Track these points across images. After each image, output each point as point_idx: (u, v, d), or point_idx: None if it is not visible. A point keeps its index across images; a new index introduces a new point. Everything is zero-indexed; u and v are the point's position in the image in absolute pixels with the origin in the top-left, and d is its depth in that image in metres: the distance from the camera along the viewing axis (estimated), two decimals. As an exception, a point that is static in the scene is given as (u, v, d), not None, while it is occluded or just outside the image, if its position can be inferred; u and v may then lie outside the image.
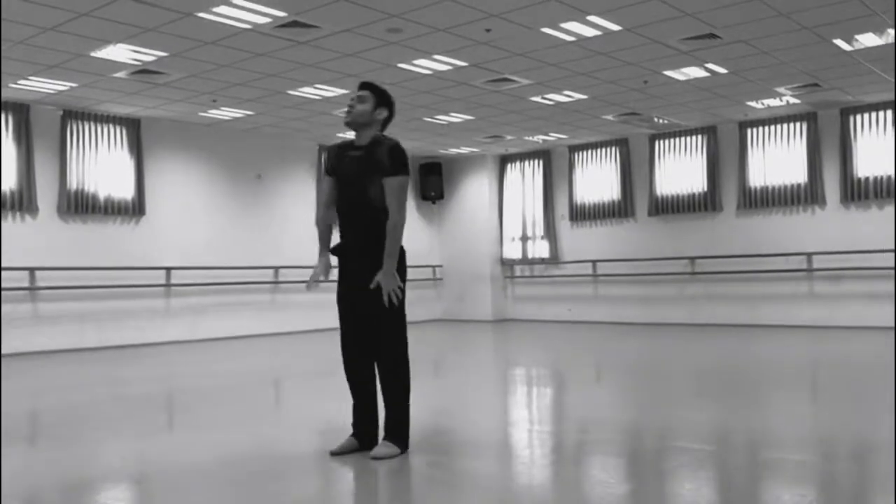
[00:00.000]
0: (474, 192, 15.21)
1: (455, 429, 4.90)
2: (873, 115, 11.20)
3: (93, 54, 8.01)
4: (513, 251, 15.09)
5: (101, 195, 10.72)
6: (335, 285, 4.21)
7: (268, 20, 7.10)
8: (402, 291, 3.92)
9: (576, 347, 10.28)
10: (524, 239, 14.93)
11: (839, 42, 8.09)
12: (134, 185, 11.05)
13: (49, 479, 3.81)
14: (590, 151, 14.03)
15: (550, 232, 14.49)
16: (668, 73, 9.21)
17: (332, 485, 3.74)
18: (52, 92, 9.52)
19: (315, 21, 7.17)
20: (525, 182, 14.92)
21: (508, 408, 5.97)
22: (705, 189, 12.75)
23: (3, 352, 9.37)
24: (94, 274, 10.57)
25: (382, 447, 3.94)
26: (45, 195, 10.25)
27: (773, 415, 5.25)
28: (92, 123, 10.65)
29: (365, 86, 4.06)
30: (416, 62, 8.58)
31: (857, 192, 11.38)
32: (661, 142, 13.16)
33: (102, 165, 10.74)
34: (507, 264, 15.16)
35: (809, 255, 11.73)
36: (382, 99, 4.06)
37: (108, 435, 4.87)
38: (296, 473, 3.77)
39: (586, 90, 10.01)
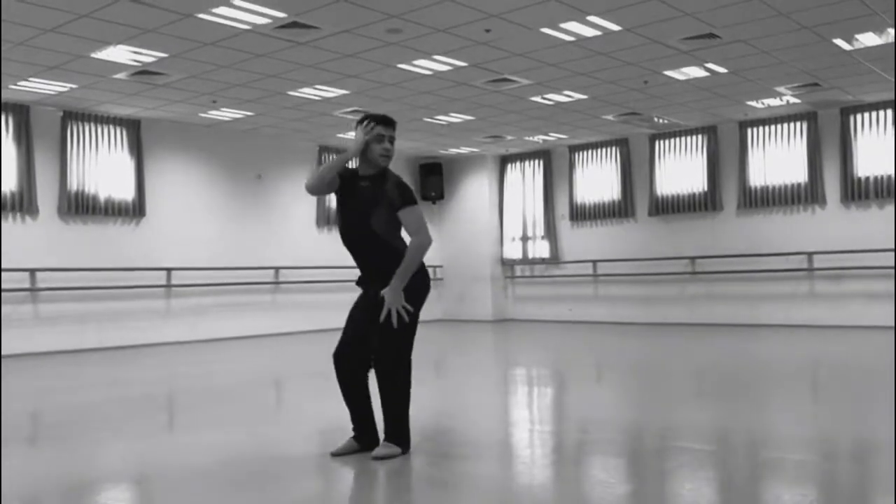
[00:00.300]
0: (474, 192, 15.21)
1: (456, 429, 4.90)
2: (873, 114, 11.20)
3: (93, 55, 8.01)
4: (513, 251, 15.09)
5: (102, 196, 10.73)
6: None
7: (267, 21, 7.10)
8: (410, 313, 3.89)
9: (576, 347, 10.28)
10: (524, 239, 14.93)
11: (839, 41, 8.09)
12: (134, 185, 11.06)
13: (49, 479, 3.81)
14: (590, 151, 14.03)
15: (551, 232, 14.49)
16: (668, 72, 9.21)
17: (332, 485, 3.74)
18: (52, 93, 9.52)
19: (315, 22, 7.17)
20: (525, 182, 14.92)
21: (509, 408, 5.97)
22: (705, 189, 12.75)
23: (3, 352, 9.37)
24: (94, 275, 10.58)
25: (383, 448, 3.94)
26: (46, 196, 10.25)
27: (773, 414, 5.25)
28: (92, 124, 10.65)
29: (394, 124, 4.07)
30: (415, 63, 8.58)
31: (857, 192, 11.38)
32: (662, 142, 13.16)
33: (103, 166, 10.74)
34: (507, 264, 15.17)
35: (810, 254, 11.73)
36: None
37: (108, 435, 4.87)
38: (296, 474, 3.77)
39: (586, 90, 10.01)
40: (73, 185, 10.46)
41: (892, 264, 10.81)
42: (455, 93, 9.96)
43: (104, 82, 9.07)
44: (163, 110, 10.61)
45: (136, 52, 7.97)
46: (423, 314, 4.06)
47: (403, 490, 3.62)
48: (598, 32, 7.66)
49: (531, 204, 14.84)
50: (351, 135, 12.31)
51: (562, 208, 14.44)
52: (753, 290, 12.27)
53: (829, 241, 11.56)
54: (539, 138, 13.46)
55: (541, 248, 14.69)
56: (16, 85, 9.11)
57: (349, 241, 4.03)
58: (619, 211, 13.68)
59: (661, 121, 12.19)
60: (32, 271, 10.04)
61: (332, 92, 9.75)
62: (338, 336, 4.10)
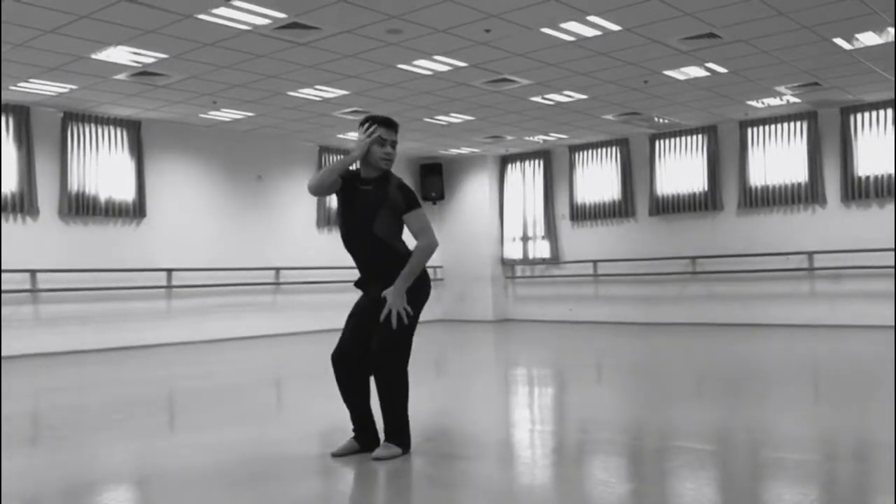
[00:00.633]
0: (475, 192, 15.21)
1: (456, 429, 4.90)
2: (874, 113, 11.20)
3: (93, 56, 8.01)
4: (513, 251, 15.09)
5: (102, 197, 10.73)
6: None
7: (268, 21, 7.11)
8: (410, 315, 3.90)
9: (577, 347, 10.28)
10: (525, 239, 14.93)
11: (839, 41, 8.09)
12: (134, 186, 11.06)
13: (50, 480, 3.81)
14: (590, 151, 14.03)
15: (551, 232, 14.49)
16: (669, 72, 9.21)
17: (332, 486, 3.74)
18: (52, 94, 9.53)
19: (315, 22, 7.17)
20: (525, 182, 14.92)
21: (509, 408, 5.96)
22: (706, 188, 12.74)
23: (4, 353, 9.38)
24: (94, 276, 10.58)
25: (383, 448, 3.94)
26: (46, 197, 10.26)
27: (773, 414, 5.25)
28: (92, 125, 10.66)
29: (398, 128, 4.06)
30: (416, 63, 8.58)
31: (857, 191, 11.37)
32: (662, 141, 13.16)
33: (103, 167, 10.74)
34: (507, 264, 15.17)
35: (810, 254, 11.73)
36: None
37: (109, 436, 4.88)
38: (296, 474, 3.77)
39: (586, 90, 10.01)
40: (74, 185, 10.47)
41: (893, 264, 10.81)
42: (455, 93, 9.97)
43: (104, 83, 9.07)
44: (163, 111, 10.61)
45: (136, 53, 7.98)
46: (424, 314, 4.06)
47: (404, 490, 3.63)
48: (598, 32, 7.66)
49: (531, 204, 14.84)
50: (351, 135, 12.32)
51: (562, 208, 14.44)
52: (754, 290, 12.27)
53: (830, 240, 11.56)
54: (539, 138, 13.46)
55: (541, 249, 14.69)
56: (16, 86, 9.11)
57: (351, 244, 4.02)
58: (620, 211, 13.68)
59: (661, 120, 12.19)
60: (33, 272, 10.04)
61: (333, 92, 9.75)
62: (338, 336, 4.11)
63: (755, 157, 12.27)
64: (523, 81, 9.50)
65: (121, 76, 8.79)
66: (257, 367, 8.84)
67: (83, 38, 7.41)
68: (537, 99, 10.45)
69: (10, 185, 9.91)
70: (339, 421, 4.42)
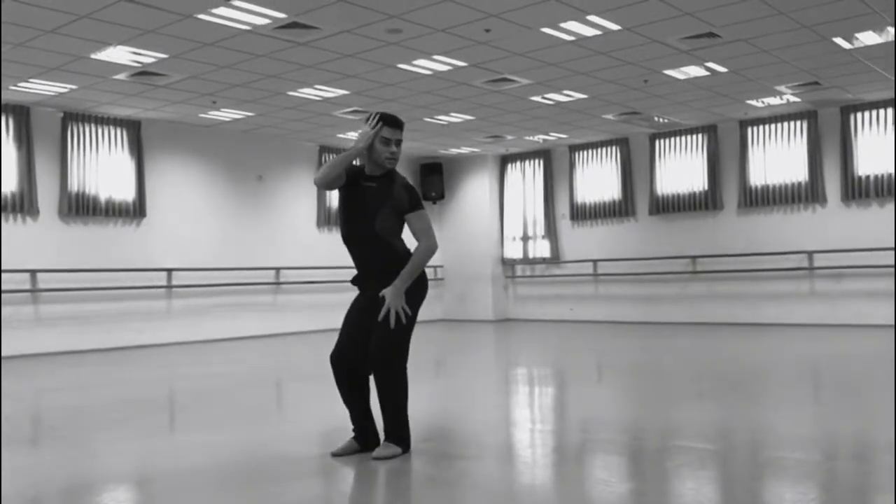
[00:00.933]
0: (475, 192, 15.21)
1: (456, 429, 4.90)
2: (874, 113, 11.19)
3: (93, 56, 8.01)
4: (514, 251, 15.09)
5: (102, 197, 10.73)
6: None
7: (267, 21, 7.10)
8: (408, 315, 3.89)
9: (577, 347, 10.28)
10: (525, 239, 14.93)
11: (839, 40, 8.08)
12: (134, 186, 11.06)
13: (50, 480, 3.81)
14: (590, 151, 14.03)
15: (551, 231, 14.49)
16: (668, 72, 9.21)
17: (333, 486, 3.74)
18: (52, 94, 9.53)
19: (314, 22, 7.17)
20: (526, 182, 14.92)
21: (510, 407, 5.96)
22: (706, 188, 12.74)
23: (4, 353, 9.38)
24: (95, 276, 10.58)
25: (383, 448, 3.94)
26: (46, 197, 10.26)
27: (774, 413, 5.25)
28: (92, 125, 10.66)
29: (403, 127, 4.03)
30: (415, 62, 8.58)
31: (857, 191, 11.37)
32: (662, 141, 13.16)
33: (103, 167, 10.74)
34: (508, 264, 15.17)
35: (810, 253, 11.73)
36: None
37: (109, 436, 4.87)
38: (297, 474, 3.77)
39: (586, 90, 10.00)
40: (74, 186, 10.47)
41: (893, 263, 10.81)
42: (455, 93, 9.96)
43: (104, 83, 9.07)
44: (163, 111, 10.61)
45: (136, 53, 7.98)
46: (424, 314, 4.06)
47: (404, 490, 3.62)
48: (598, 32, 7.66)
49: (531, 203, 14.84)
50: (351, 134, 12.32)
51: (562, 208, 14.44)
52: (754, 289, 12.27)
53: (830, 239, 11.56)
54: (539, 138, 13.46)
55: (541, 248, 14.69)
56: (16, 86, 9.11)
57: (351, 241, 4.02)
58: (620, 210, 13.68)
59: (661, 120, 12.19)
60: (33, 272, 10.04)
61: (333, 92, 9.75)
62: (337, 337, 4.11)
63: (755, 156, 12.27)
64: (523, 81, 9.49)
65: (121, 76, 8.79)
66: (257, 366, 8.84)
67: (83, 37, 7.41)
68: (537, 98, 10.45)
69: (10, 185, 9.91)
70: (338, 421, 4.42)
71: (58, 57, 8.01)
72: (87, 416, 5.68)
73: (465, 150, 14.37)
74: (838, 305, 11.47)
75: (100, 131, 10.73)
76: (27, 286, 10.00)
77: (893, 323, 10.59)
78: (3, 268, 9.62)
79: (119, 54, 7.98)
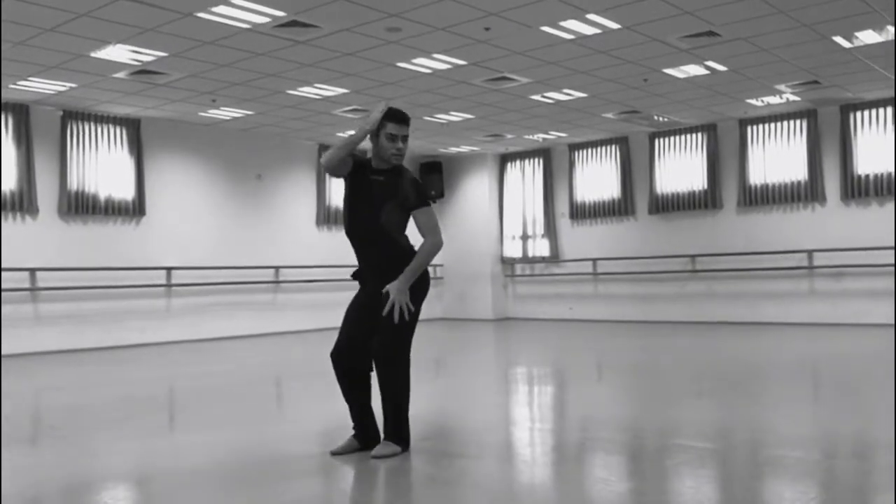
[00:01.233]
0: (475, 190, 15.21)
1: (456, 428, 4.90)
2: (873, 111, 11.19)
3: (92, 55, 8.01)
4: (513, 250, 15.09)
5: (102, 195, 10.73)
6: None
7: (267, 20, 7.10)
8: (412, 311, 3.88)
9: (576, 346, 10.28)
10: (524, 237, 14.93)
11: (839, 39, 8.08)
12: (134, 185, 11.05)
13: (50, 479, 3.81)
14: (590, 150, 14.03)
15: (551, 230, 14.49)
16: (668, 70, 9.20)
17: (333, 484, 3.74)
18: (51, 92, 9.52)
19: (314, 20, 7.17)
20: (525, 180, 14.92)
21: (509, 406, 5.96)
22: (705, 187, 12.74)
23: (3, 352, 9.37)
24: (94, 274, 10.58)
25: (383, 447, 3.94)
26: (46, 196, 10.25)
27: (774, 412, 5.25)
28: (92, 124, 10.65)
29: (409, 122, 4.00)
30: (415, 61, 8.57)
31: (857, 190, 11.37)
32: (661, 140, 13.16)
33: (102, 166, 10.74)
34: (507, 263, 15.17)
35: (810, 252, 11.73)
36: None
37: (108, 435, 4.87)
38: (297, 473, 3.77)
39: (586, 88, 10.00)
40: (73, 184, 10.46)
41: (893, 262, 10.80)
42: (455, 91, 9.96)
43: (104, 81, 9.06)
44: (162, 109, 10.61)
45: (135, 52, 7.97)
46: (424, 313, 4.06)
47: (403, 489, 3.62)
48: (598, 30, 7.65)
49: (531, 202, 14.84)
50: (351, 133, 12.30)
51: (562, 207, 14.44)
52: (753, 288, 12.27)
53: (829, 238, 11.55)
54: (539, 137, 13.45)
55: (541, 247, 14.68)
56: (15, 84, 9.10)
57: (355, 235, 3.99)
58: (619, 209, 13.68)
59: (660, 119, 12.18)
60: (32, 271, 10.04)
61: (332, 91, 9.75)
62: (337, 335, 4.10)
63: (755, 155, 12.27)
64: (523, 80, 9.49)
65: (120, 74, 8.78)
66: (257, 365, 8.84)
67: (83, 36, 7.41)
68: (537, 97, 10.44)
69: (10, 183, 9.90)
70: (338, 419, 4.42)
71: (57, 55, 8.00)
72: (87, 415, 5.68)
73: (464, 148, 14.36)
74: (838, 304, 11.47)
75: (99, 130, 10.73)
76: (27, 285, 9.99)
77: (893, 322, 10.59)
78: (2, 266, 9.61)
79: (119, 53, 7.98)
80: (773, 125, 12.07)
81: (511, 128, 12.51)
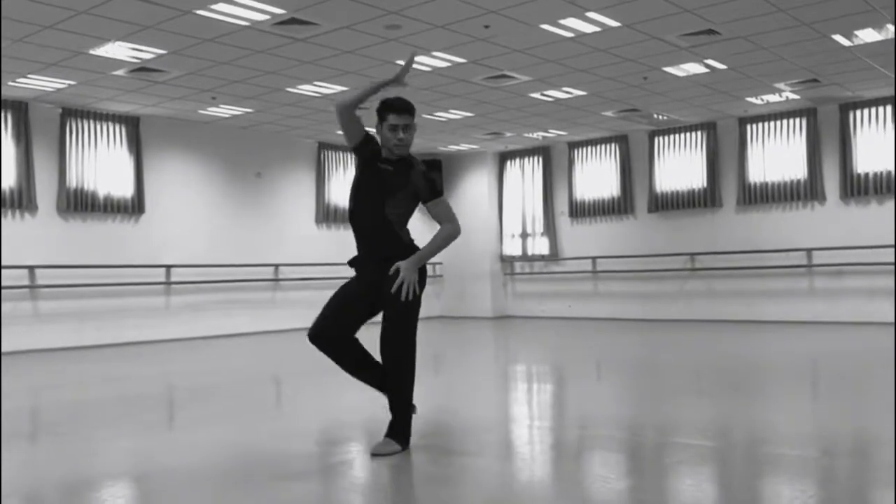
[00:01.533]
0: (474, 188, 15.21)
1: (456, 425, 4.90)
2: (873, 110, 11.19)
3: (92, 52, 8.00)
4: (513, 248, 15.09)
5: (101, 193, 10.72)
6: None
7: (266, 17, 7.10)
8: (416, 295, 3.85)
9: (576, 344, 10.28)
10: (524, 235, 14.93)
11: (838, 38, 8.08)
12: (133, 182, 11.05)
13: (50, 476, 3.80)
14: (589, 148, 14.03)
15: (550, 228, 14.49)
16: (668, 69, 9.20)
17: (332, 482, 3.74)
18: (51, 90, 9.51)
19: (314, 18, 7.16)
20: (525, 179, 14.92)
21: (509, 404, 5.97)
22: (705, 185, 12.74)
23: (3, 350, 9.37)
24: (93, 272, 10.58)
25: (383, 445, 3.94)
26: (45, 193, 10.25)
27: (773, 410, 5.25)
28: (91, 121, 10.64)
29: (412, 111, 3.91)
30: (414, 59, 8.55)
31: (856, 188, 11.37)
32: (661, 138, 13.16)
33: (102, 163, 10.73)
34: (506, 261, 15.17)
35: (809, 250, 11.73)
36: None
37: (108, 433, 4.87)
38: (296, 471, 3.77)
39: (586, 86, 10.00)
40: (73, 181, 10.46)
41: (892, 260, 10.81)
42: (454, 89, 9.96)
43: (103, 79, 9.06)
44: (162, 107, 10.60)
45: (134, 49, 7.97)
46: (423, 311, 4.05)
47: (404, 486, 3.62)
48: (598, 29, 7.65)
49: (531, 200, 14.84)
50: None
51: (561, 205, 14.44)
52: (753, 287, 12.28)
53: (829, 237, 11.56)
54: (538, 135, 13.45)
55: (540, 245, 14.69)
56: (15, 82, 9.09)
57: (357, 222, 3.96)
58: (619, 207, 13.68)
59: (660, 117, 12.18)
60: (31, 268, 10.04)
61: (331, 88, 9.74)
62: None
63: (754, 153, 12.27)
64: (522, 78, 9.49)
65: (119, 72, 8.78)
66: (256, 363, 8.84)
67: (82, 33, 7.40)
68: (536, 95, 10.44)
69: (9, 181, 9.90)
70: (337, 417, 4.41)
71: (57, 52, 8.00)
72: (86, 412, 5.67)
73: (464, 146, 14.36)
74: (837, 303, 11.48)
75: (98, 127, 10.72)
76: (25, 282, 9.99)
77: (893, 320, 10.60)
78: (2, 264, 9.61)
79: (118, 50, 7.97)
80: (772, 123, 12.07)
81: (511, 126, 12.50)
